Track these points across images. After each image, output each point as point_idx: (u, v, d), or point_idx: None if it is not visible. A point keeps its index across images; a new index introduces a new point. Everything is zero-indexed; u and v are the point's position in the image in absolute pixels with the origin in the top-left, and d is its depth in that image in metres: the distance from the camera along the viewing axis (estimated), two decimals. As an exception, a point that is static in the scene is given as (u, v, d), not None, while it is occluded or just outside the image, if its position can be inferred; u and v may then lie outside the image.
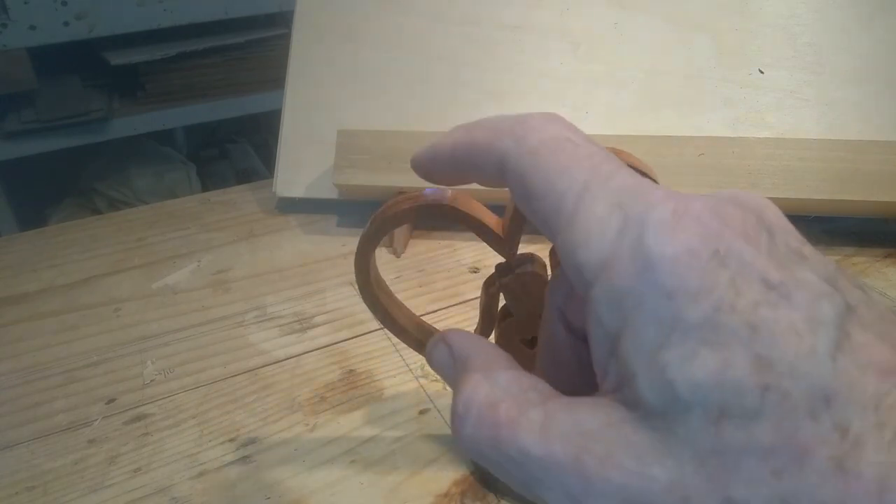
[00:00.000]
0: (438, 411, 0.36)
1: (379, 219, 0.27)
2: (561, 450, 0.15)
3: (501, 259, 0.29)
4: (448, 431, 0.35)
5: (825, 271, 0.15)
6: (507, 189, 0.26)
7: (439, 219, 0.27)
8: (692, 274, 0.14)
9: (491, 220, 0.28)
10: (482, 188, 0.38)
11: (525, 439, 0.15)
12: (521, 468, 0.15)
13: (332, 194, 0.54)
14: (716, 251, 0.14)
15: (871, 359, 0.13)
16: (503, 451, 0.16)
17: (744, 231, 0.15)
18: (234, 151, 1.63)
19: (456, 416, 0.17)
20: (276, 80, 0.75)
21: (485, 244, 0.28)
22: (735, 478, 0.13)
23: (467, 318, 0.43)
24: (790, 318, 0.14)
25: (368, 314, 0.30)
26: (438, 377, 0.38)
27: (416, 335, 0.31)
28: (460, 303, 0.45)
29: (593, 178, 0.16)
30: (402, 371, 0.39)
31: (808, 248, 0.16)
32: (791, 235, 0.16)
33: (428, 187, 0.27)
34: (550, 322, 0.21)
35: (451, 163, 0.20)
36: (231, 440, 0.35)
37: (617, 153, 0.25)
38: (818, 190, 0.46)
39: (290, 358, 0.41)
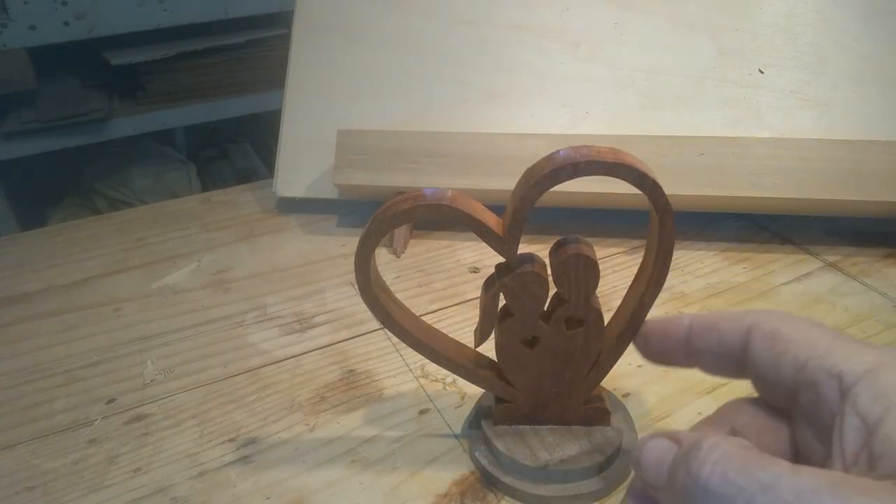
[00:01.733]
0: (438, 411, 0.36)
1: (379, 219, 0.27)
2: (815, 480, 0.17)
3: (501, 259, 0.29)
4: (448, 431, 0.35)
5: None
6: (507, 190, 0.27)
7: (439, 219, 0.27)
8: None
9: (491, 220, 0.28)
10: (481, 188, 0.39)
11: (777, 469, 0.18)
12: (768, 491, 0.18)
13: (332, 194, 0.54)
14: None
15: None
16: (753, 474, 0.18)
17: None
18: (234, 151, 1.63)
19: (696, 455, 0.20)
20: (276, 80, 0.75)
21: (485, 244, 0.28)
22: None
23: (467, 318, 0.43)
24: None
25: (368, 314, 0.30)
26: (438, 377, 0.38)
27: (416, 335, 0.31)
28: (460, 303, 0.45)
29: (834, 337, 0.22)
30: (402, 371, 0.39)
31: None
32: None
33: (427, 187, 0.27)
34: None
35: (683, 336, 0.26)
36: (231, 440, 0.35)
37: (616, 153, 0.25)
38: (818, 190, 0.46)
39: (290, 358, 0.41)
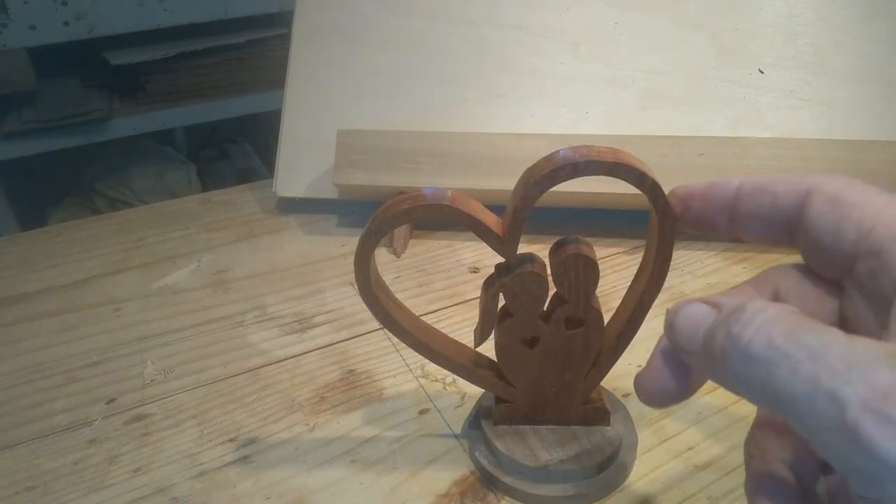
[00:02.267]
0: (438, 411, 0.36)
1: (379, 219, 0.27)
2: (871, 350, 0.16)
3: (501, 259, 0.29)
4: (448, 431, 0.35)
5: None
6: (507, 190, 0.26)
7: (439, 219, 0.27)
8: None
9: (491, 220, 0.28)
10: (481, 188, 0.38)
11: (828, 335, 0.16)
12: (817, 359, 0.16)
13: (332, 194, 0.54)
14: None
15: None
16: (801, 340, 0.17)
17: None
18: (234, 151, 1.63)
19: (738, 318, 0.18)
20: (276, 80, 0.75)
21: (485, 244, 0.28)
22: None
23: (467, 318, 0.43)
24: None
25: (368, 314, 0.30)
26: (438, 377, 0.38)
27: (416, 335, 0.31)
28: (460, 303, 0.45)
29: None
30: (402, 371, 0.39)
31: None
32: None
33: (427, 187, 0.27)
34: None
35: (729, 198, 0.23)
36: (231, 440, 0.35)
37: (616, 153, 0.25)
38: (818, 190, 0.46)
39: (290, 358, 0.41)
